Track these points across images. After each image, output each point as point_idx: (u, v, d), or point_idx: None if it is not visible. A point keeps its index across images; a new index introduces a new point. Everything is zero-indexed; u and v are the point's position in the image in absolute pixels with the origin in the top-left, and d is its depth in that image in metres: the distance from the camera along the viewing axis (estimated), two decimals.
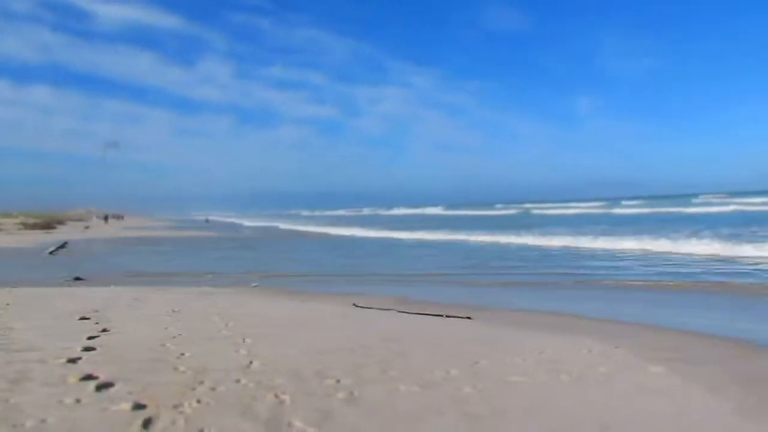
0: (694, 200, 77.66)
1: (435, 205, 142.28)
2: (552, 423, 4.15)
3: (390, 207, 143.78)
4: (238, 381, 4.95)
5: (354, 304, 10.20)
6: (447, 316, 8.95)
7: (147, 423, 3.87)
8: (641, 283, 13.76)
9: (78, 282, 14.41)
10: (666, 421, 4.24)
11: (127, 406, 4.17)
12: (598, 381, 5.28)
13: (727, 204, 54.84)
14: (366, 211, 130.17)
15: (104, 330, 7.13)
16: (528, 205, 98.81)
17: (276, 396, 4.55)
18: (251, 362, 5.61)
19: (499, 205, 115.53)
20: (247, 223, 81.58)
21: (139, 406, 4.17)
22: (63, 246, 30.21)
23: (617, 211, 63.47)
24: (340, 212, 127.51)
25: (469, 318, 8.83)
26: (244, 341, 6.62)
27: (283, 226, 55.80)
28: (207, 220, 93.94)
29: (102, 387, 4.64)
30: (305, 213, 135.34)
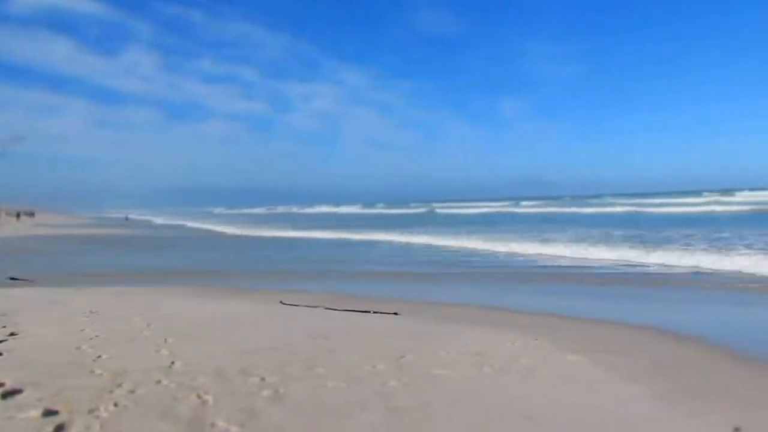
0: (595, 201, 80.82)
1: (355, 203, 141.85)
2: (476, 415, 4.24)
3: (312, 205, 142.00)
4: (158, 382, 4.79)
5: (281, 302, 10.08)
6: (374, 312, 9.00)
7: (59, 429, 3.68)
8: (538, 274, 14.32)
9: None
10: (585, 408, 4.43)
11: (36, 413, 3.95)
12: (520, 373, 5.45)
13: (623, 205, 56.90)
14: (281, 209, 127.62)
15: (12, 334, 6.73)
16: (438, 204, 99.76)
17: (198, 396, 4.44)
18: (173, 363, 5.45)
19: (413, 204, 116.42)
20: (158, 221, 78.36)
21: (50, 413, 3.95)
22: None
23: (516, 210, 65.11)
24: (258, 210, 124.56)
25: (396, 314, 8.91)
26: (166, 341, 6.41)
27: (191, 224, 54.31)
28: (126, 218, 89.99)
29: (8, 394, 4.37)
30: (218, 210, 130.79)
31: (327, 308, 9.46)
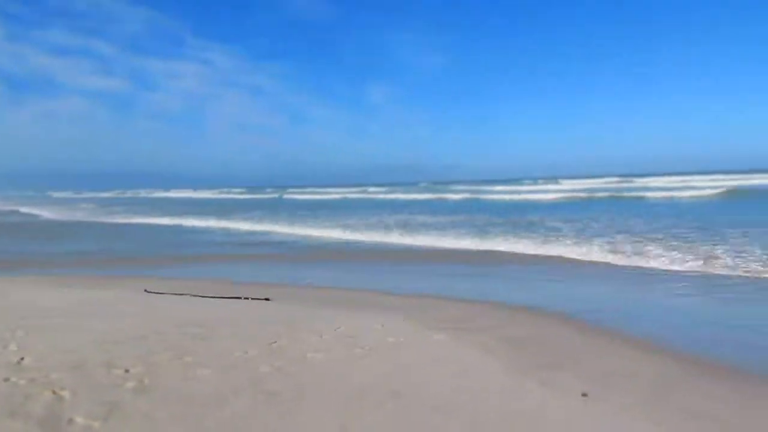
0: (440, 187, 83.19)
1: (217, 187, 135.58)
2: (348, 395, 4.35)
3: (168, 189, 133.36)
4: (6, 380, 4.42)
5: (145, 290, 9.61)
6: (245, 298, 8.86)
7: None
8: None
9: None
10: (448, 383, 4.69)
11: None
12: (389, 352, 5.65)
13: (466, 192, 58.20)
14: (130, 193, 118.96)
15: None
16: (293, 190, 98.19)
17: (54, 392, 4.16)
18: (23, 358, 5.04)
19: (269, 189, 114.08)
20: None
21: None
22: None
23: (362, 196, 65.31)
24: (106, 194, 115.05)
25: (267, 299, 8.84)
26: (13, 335, 5.90)
27: (24, 209, 49.27)
28: None
29: None
30: (62, 195, 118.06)
31: (195, 295, 9.17)
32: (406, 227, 22.36)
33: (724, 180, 53.45)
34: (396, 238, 18.94)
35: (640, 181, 64.86)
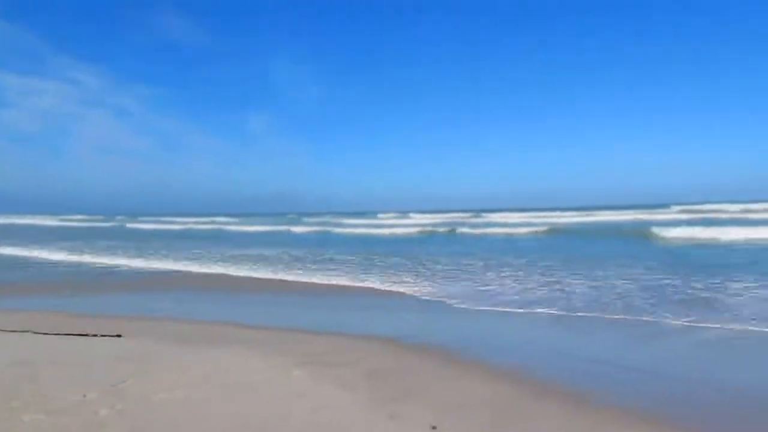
0: (291, 217, 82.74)
1: (58, 214, 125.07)
2: None
3: (8, 214, 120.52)
4: None
5: None
6: (93, 335, 8.21)
7: None
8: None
9: None
10: (303, 418, 4.61)
11: None
12: (245, 390, 5.45)
13: (318, 224, 58.55)
14: None
15: None
16: (141, 218, 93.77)
17: None
18: None
19: (120, 217, 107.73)
20: None
21: None
22: None
23: (211, 226, 63.11)
24: None
25: (119, 336, 8.25)
26: None
27: None
28: None
29: None
30: None
31: (37, 333, 8.36)
32: (229, 259, 22.09)
33: (549, 217, 57.20)
34: (232, 270, 18.66)
35: (490, 216, 67.55)
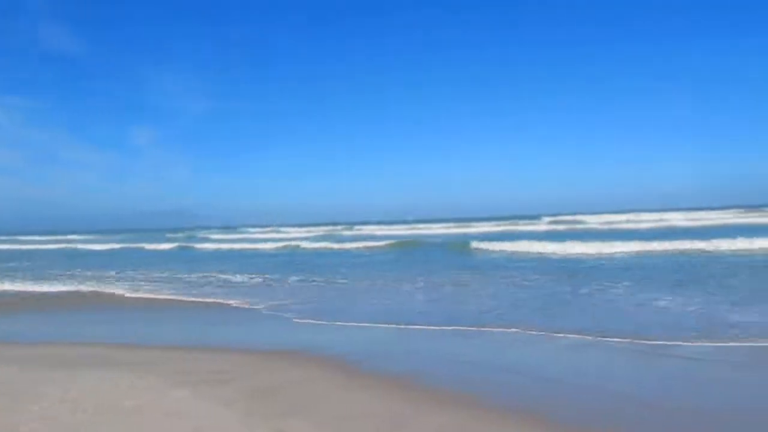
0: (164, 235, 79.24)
1: None
2: None
3: None
4: None
5: None
6: None
7: None
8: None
9: None
10: None
11: None
12: (119, 415, 5.23)
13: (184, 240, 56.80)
14: None
15: None
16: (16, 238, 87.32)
17: None
18: None
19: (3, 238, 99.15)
20: None
21: None
22: None
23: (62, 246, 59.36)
24: None
25: None
26: None
27: None
28: None
29: None
30: None
31: None
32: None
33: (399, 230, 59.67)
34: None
35: (360, 229, 68.40)
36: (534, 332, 9.19)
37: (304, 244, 39.29)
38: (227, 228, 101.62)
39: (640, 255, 21.88)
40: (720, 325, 9.05)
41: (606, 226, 50.26)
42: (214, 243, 49.09)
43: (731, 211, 61.74)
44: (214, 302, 14.05)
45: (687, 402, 5.71)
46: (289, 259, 28.51)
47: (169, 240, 55.67)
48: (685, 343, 7.98)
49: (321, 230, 70.09)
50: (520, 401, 5.81)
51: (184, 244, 48.15)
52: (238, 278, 19.41)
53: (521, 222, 65.21)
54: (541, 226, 56.92)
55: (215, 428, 4.99)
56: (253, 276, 19.92)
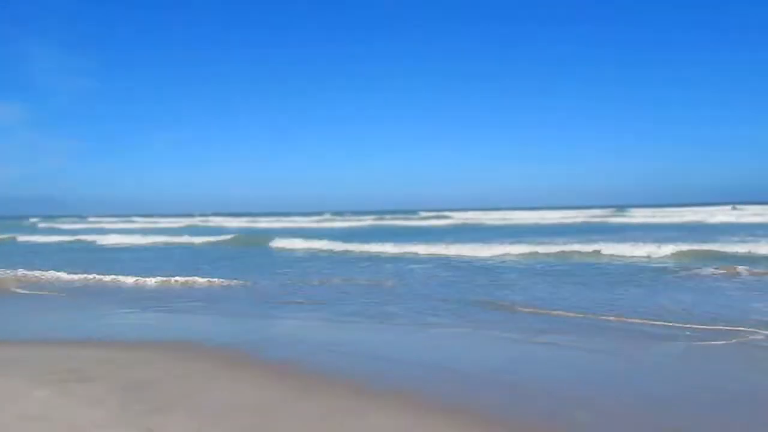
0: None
1: None
2: None
3: None
4: None
5: None
6: None
7: None
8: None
9: None
10: None
11: None
12: None
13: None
14: None
15: None
16: None
17: None
18: None
19: None
20: None
21: None
22: None
23: None
24: None
25: None
26: None
27: None
28: None
29: None
30: None
31: None
32: None
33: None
34: None
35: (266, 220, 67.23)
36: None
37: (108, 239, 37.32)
38: (80, 217, 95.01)
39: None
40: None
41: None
42: (43, 235, 45.70)
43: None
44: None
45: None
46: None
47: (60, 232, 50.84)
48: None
49: (184, 222, 67.84)
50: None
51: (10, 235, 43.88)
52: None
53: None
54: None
55: (81, 427, 4.74)
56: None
